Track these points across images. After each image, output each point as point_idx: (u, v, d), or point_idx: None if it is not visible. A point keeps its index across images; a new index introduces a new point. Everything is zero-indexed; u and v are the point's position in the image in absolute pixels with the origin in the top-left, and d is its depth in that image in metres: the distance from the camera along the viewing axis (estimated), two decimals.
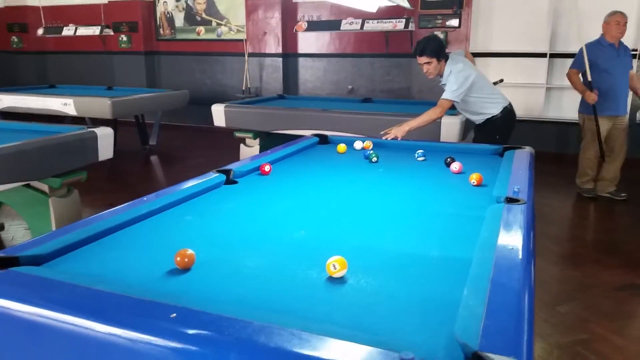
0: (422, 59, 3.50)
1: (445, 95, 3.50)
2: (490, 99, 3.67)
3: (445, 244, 1.53)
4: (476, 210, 1.82)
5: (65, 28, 7.62)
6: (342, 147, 2.98)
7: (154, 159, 6.66)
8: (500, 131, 3.66)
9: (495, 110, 3.67)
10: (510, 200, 1.79)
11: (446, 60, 3.55)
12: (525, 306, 1.11)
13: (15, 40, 9.15)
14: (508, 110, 3.72)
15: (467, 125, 4.03)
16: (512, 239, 1.43)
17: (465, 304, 1.08)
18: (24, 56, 9.26)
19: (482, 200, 1.93)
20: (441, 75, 3.61)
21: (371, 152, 2.74)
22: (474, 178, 2.16)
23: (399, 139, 3.31)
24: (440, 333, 1.01)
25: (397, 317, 1.10)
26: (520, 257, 1.33)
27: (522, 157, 2.56)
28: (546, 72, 6.33)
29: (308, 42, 7.56)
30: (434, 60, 3.49)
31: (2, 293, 1.13)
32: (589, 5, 5.93)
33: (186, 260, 1.31)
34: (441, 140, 3.85)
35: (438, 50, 3.50)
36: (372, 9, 3.91)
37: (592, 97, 4.50)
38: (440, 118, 3.65)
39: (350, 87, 7.35)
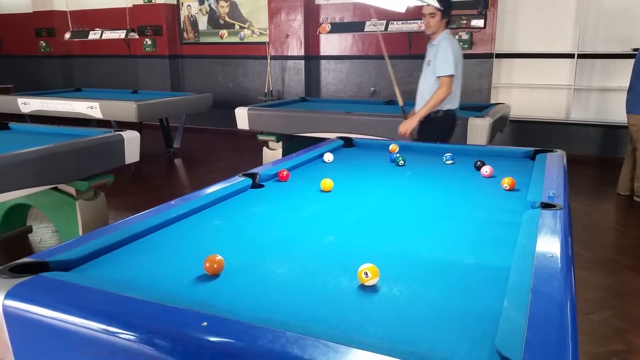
0: (430, 8, 3.43)
1: (443, 72, 3.44)
2: (452, 94, 3.55)
3: (479, 251, 1.48)
4: (510, 215, 1.76)
5: (91, 32, 7.72)
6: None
7: (177, 161, 6.71)
8: (440, 135, 3.56)
9: (443, 106, 3.55)
10: (546, 206, 1.73)
11: (446, 27, 3.53)
12: (568, 318, 1.06)
13: (43, 44, 9.32)
14: (450, 115, 3.62)
15: (495, 127, 3.96)
16: (551, 247, 1.37)
17: (506, 315, 1.04)
18: (51, 60, 9.43)
19: (516, 205, 1.88)
20: (433, 41, 3.56)
21: (397, 155, 2.69)
22: (506, 182, 2.09)
23: (407, 134, 3.28)
24: (482, 346, 0.97)
25: (434, 328, 1.05)
26: (560, 265, 1.28)
27: (555, 160, 2.49)
28: (573, 73, 6.20)
29: (330, 44, 7.54)
30: (439, 15, 3.44)
31: (32, 299, 1.12)
32: (616, 4, 5.80)
33: (215, 266, 1.29)
34: (468, 142, 3.78)
35: (447, 7, 3.45)
36: (401, 9, 3.86)
37: None
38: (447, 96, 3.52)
39: (372, 89, 7.29)
